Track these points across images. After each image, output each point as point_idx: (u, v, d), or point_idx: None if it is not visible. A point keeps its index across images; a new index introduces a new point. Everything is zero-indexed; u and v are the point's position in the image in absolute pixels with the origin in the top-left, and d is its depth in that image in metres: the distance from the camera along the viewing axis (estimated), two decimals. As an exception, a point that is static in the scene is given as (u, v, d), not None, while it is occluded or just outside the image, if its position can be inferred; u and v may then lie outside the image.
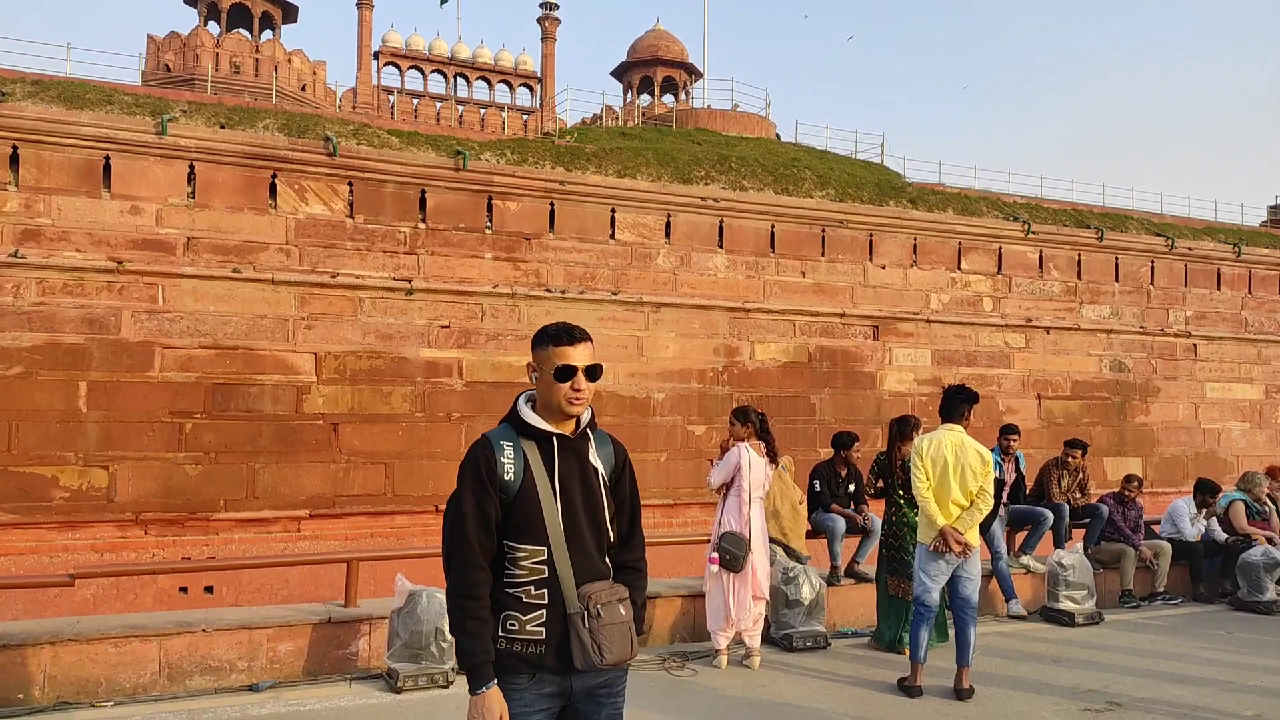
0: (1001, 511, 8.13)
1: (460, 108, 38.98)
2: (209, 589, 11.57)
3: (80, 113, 11.76)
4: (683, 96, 35.75)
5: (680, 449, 14.53)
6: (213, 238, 12.19)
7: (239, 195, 12.36)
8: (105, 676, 5.40)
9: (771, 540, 6.69)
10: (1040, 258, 17.62)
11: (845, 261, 15.95)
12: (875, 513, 7.67)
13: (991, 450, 7.34)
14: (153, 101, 12.86)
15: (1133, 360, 18.26)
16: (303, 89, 33.86)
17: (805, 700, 5.51)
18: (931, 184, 19.62)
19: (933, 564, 5.62)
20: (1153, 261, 18.66)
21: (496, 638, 2.48)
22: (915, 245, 16.53)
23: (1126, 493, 9.12)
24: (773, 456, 6.52)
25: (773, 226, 15.48)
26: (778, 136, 23.62)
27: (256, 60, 33.04)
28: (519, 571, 2.50)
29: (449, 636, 5.44)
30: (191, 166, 12.15)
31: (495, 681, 2.44)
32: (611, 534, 2.64)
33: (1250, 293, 19.67)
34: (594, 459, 2.63)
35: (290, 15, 36.13)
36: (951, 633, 6.42)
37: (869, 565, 7.72)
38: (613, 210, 14.45)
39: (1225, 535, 9.34)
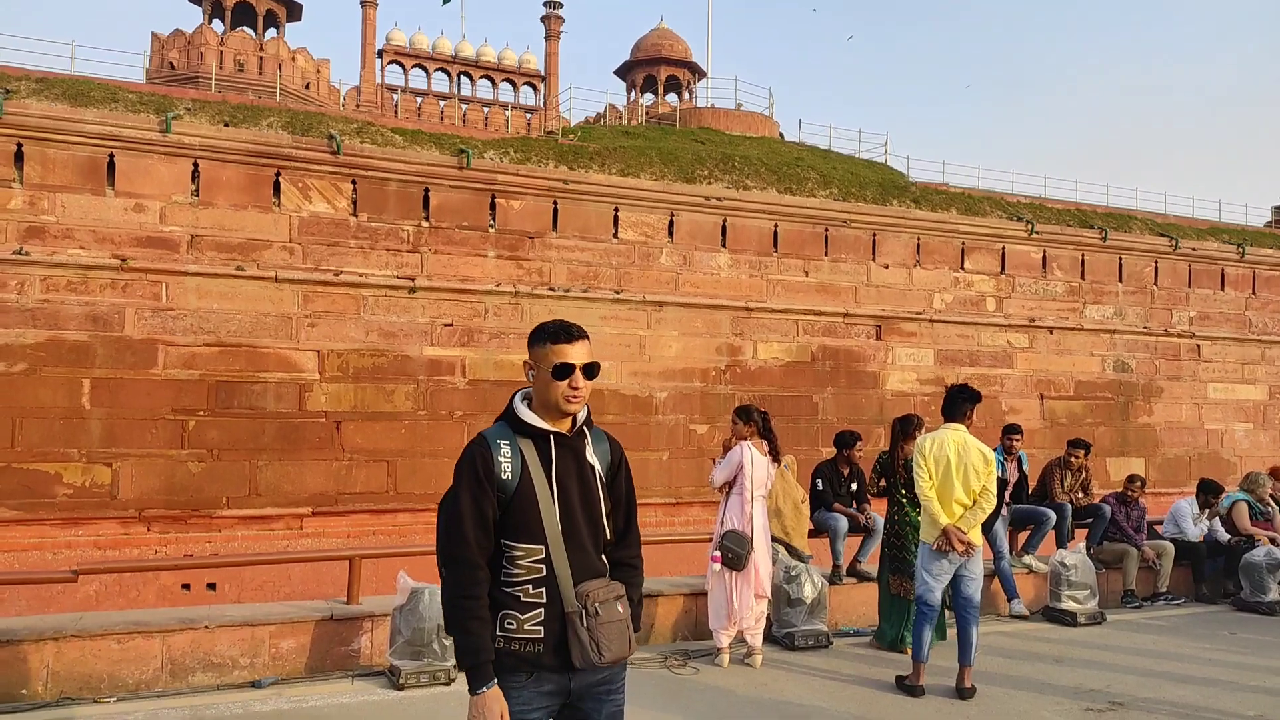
0: (1004, 511, 8.12)
1: (464, 106, 38.99)
2: (211, 586, 11.59)
3: (85, 110, 11.78)
4: (686, 95, 35.73)
5: (682, 448, 14.53)
6: (216, 235, 12.21)
7: (243, 193, 12.37)
8: (108, 672, 5.42)
9: (774, 539, 6.70)
10: (1044, 258, 17.60)
11: (848, 261, 15.94)
12: (878, 512, 7.67)
13: (994, 450, 7.35)
14: (157, 99, 12.89)
15: (1136, 360, 18.23)
16: (307, 87, 33.89)
17: (807, 699, 5.51)
18: (935, 184, 19.58)
19: (935, 563, 5.62)
20: (1156, 262, 18.63)
21: (495, 637, 2.47)
22: (919, 245, 16.52)
23: (1129, 493, 9.11)
24: (775, 455, 6.52)
25: (776, 226, 15.47)
26: (781, 136, 23.59)
27: (261, 58, 33.06)
28: (516, 570, 2.50)
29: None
30: (195, 164, 12.17)
31: (495, 681, 2.44)
32: (608, 531, 2.63)
33: (1254, 293, 19.63)
34: (591, 457, 2.63)
35: (294, 13, 36.16)
36: (950, 631, 6.43)
37: (871, 564, 7.72)
38: (616, 209, 14.45)
39: (1228, 536, 9.32)
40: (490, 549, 2.50)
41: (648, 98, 35.19)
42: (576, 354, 2.54)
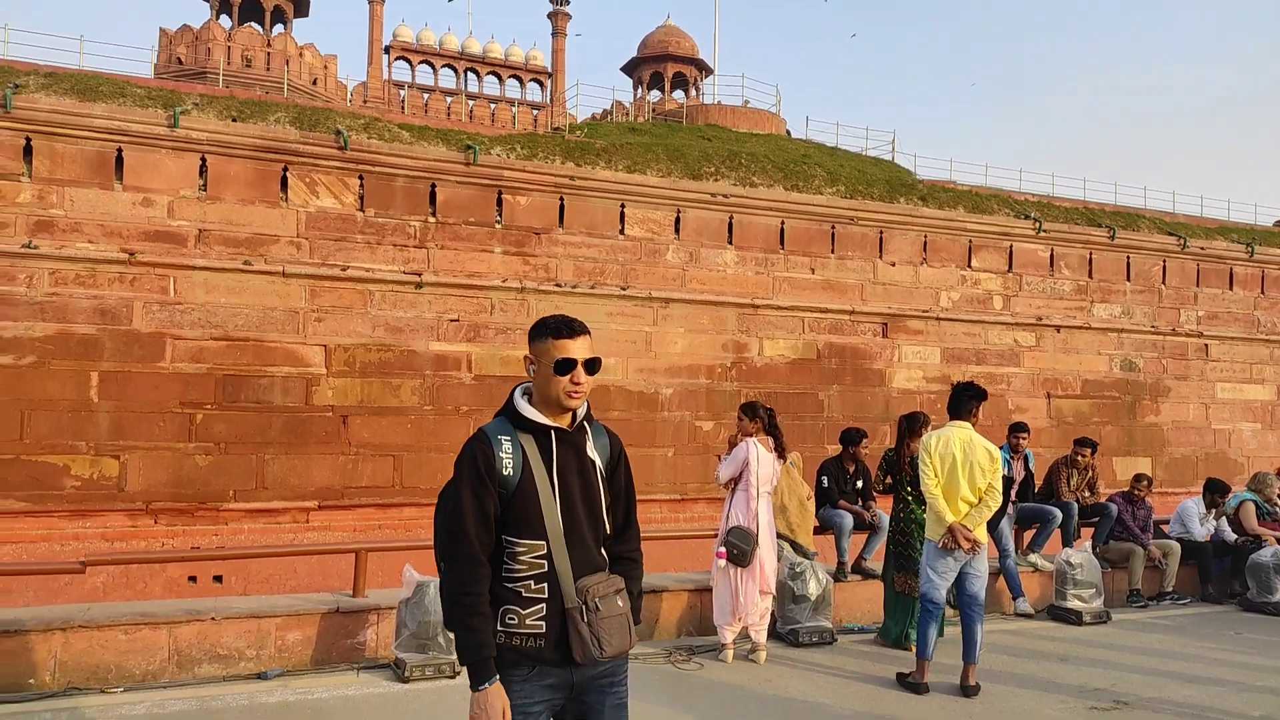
0: (1010, 509, 8.11)
1: (470, 102, 39.01)
2: (218, 578, 11.63)
3: (93, 105, 11.81)
4: (693, 92, 35.71)
5: (688, 444, 14.53)
6: (224, 230, 12.24)
7: (250, 188, 12.40)
8: (115, 663, 5.44)
9: (779, 536, 6.70)
10: (1051, 256, 17.54)
11: (855, 259, 15.92)
12: (883, 509, 7.66)
13: (1000, 448, 7.33)
14: (165, 94, 12.93)
15: (1143, 360, 18.17)
16: (314, 83, 33.94)
17: (811, 695, 5.51)
18: (942, 181, 19.55)
19: (940, 561, 5.62)
20: (1165, 261, 18.56)
21: (496, 632, 2.47)
22: (925, 243, 16.48)
23: (1136, 492, 9.09)
24: (781, 452, 6.52)
25: (782, 223, 15.45)
26: (788, 133, 23.57)
27: (268, 54, 33.12)
28: (518, 566, 2.50)
29: (456, 627, 5.45)
30: (203, 159, 12.20)
31: (497, 677, 2.44)
32: (608, 525, 2.63)
33: (1263, 293, 19.55)
34: (591, 451, 2.62)
35: (302, 9, 36.22)
36: (949, 628, 6.42)
37: (876, 562, 7.71)
38: (622, 205, 14.45)
39: (1235, 536, 9.30)
40: (491, 545, 2.50)
41: (654, 94, 35.14)
42: (578, 349, 2.53)
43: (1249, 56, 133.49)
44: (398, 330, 12.99)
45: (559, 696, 2.55)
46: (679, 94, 35.50)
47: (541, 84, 42.44)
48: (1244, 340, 19.16)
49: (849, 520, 7.67)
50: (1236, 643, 7.34)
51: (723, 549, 6.22)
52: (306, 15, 36.56)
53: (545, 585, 2.49)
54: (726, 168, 15.50)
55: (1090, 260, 17.88)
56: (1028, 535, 8.78)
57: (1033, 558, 8.56)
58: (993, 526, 7.38)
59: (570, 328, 2.55)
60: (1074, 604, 7.78)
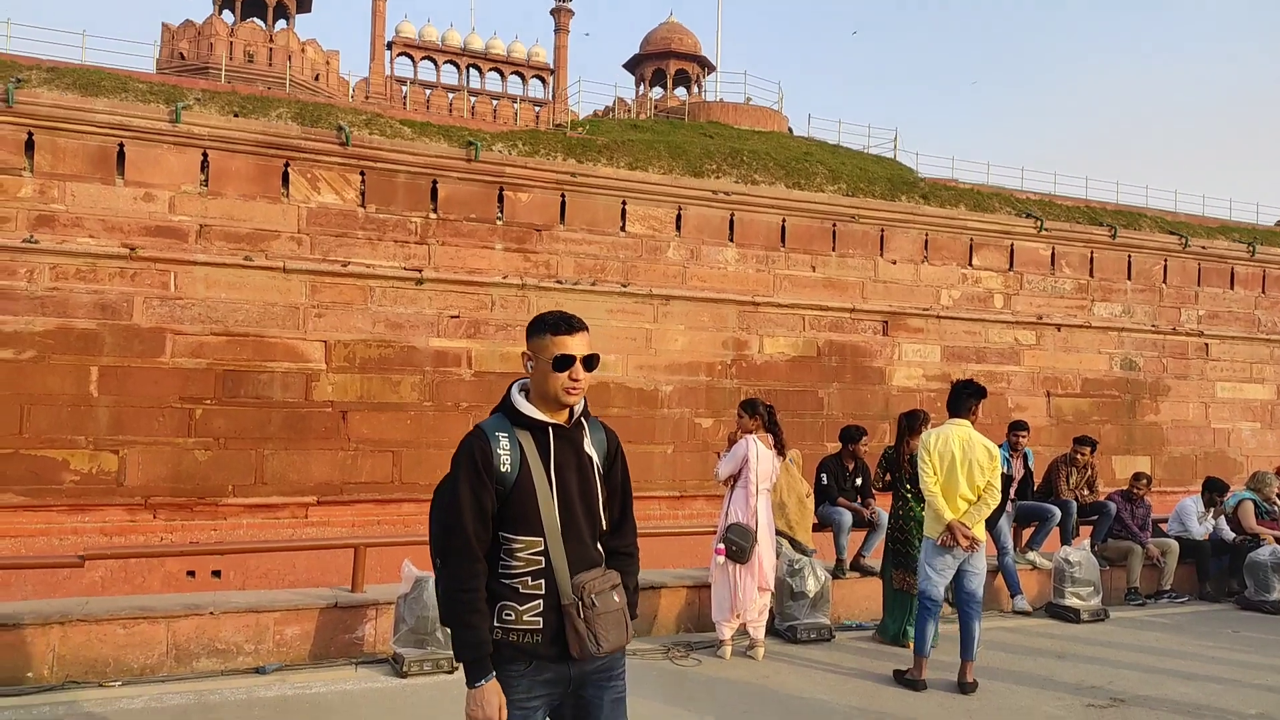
0: (1009, 507, 8.11)
1: (472, 99, 38.99)
2: (216, 573, 11.65)
3: (95, 100, 11.81)
4: (695, 89, 35.66)
5: (687, 441, 14.54)
6: (225, 225, 12.24)
7: (252, 183, 12.40)
8: (113, 657, 5.45)
9: (777, 533, 6.70)
10: (1052, 254, 17.53)
11: (856, 256, 15.91)
12: (882, 507, 7.66)
13: (1000, 446, 7.33)
14: (167, 89, 12.92)
15: (1143, 359, 18.17)
16: (316, 79, 33.92)
17: (809, 692, 5.51)
18: (944, 179, 19.50)
19: (939, 558, 5.62)
20: (1166, 260, 18.55)
21: (493, 628, 2.47)
22: (926, 241, 16.48)
23: (1135, 490, 9.08)
24: (780, 449, 6.52)
25: (784, 220, 15.45)
26: (790, 130, 23.53)
27: (270, 49, 33.10)
28: (515, 563, 2.49)
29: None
30: (205, 154, 12.20)
31: (494, 674, 2.44)
32: (604, 521, 2.63)
33: (1264, 292, 19.54)
34: (588, 448, 2.62)
35: (304, 5, 36.19)
36: (947, 626, 6.42)
37: (875, 559, 7.71)
38: (624, 202, 14.45)
39: (1233, 534, 9.30)
40: (488, 542, 2.49)
41: (657, 91, 35.11)
42: (577, 345, 2.52)
43: (1252, 56, 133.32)
44: (398, 326, 13.00)
45: (557, 692, 2.55)
46: (681, 91, 35.46)
47: (543, 80, 42.41)
48: (1244, 340, 19.15)
49: (848, 518, 7.67)
50: (1234, 641, 7.34)
51: (721, 546, 6.22)
52: (309, 11, 36.53)
53: (542, 582, 2.49)
54: (728, 165, 15.49)
55: (1091, 259, 17.87)
56: (1026, 533, 8.78)
57: (1031, 555, 8.56)
58: (991, 524, 7.37)
59: (569, 324, 2.54)
60: (1072, 602, 7.78)
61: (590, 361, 2.55)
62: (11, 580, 9.94)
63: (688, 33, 35.93)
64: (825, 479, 7.92)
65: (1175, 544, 9.04)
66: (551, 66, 42.32)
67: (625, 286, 14.24)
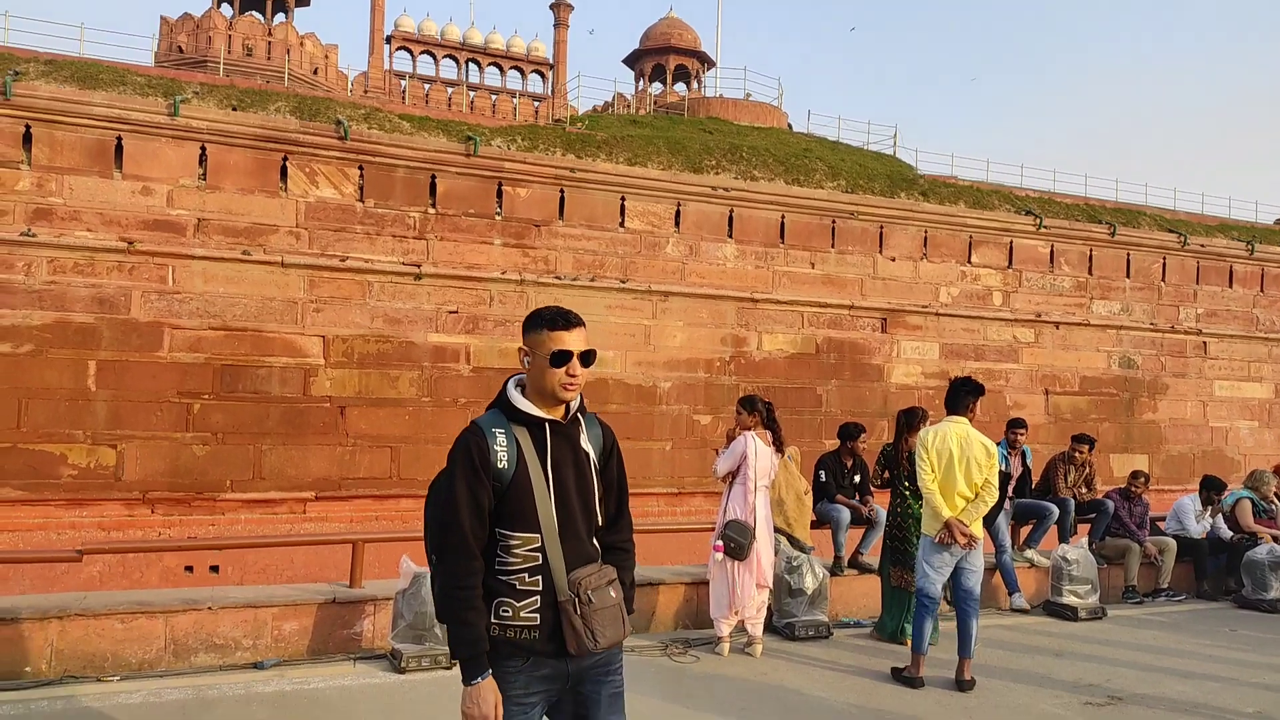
0: (1007, 505, 8.13)
1: (471, 93, 38.91)
2: (214, 568, 11.64)
3: (93, 93, 11.77)
4: (695, 85, 35.59)
5: (686, 438, 14.54)
6: (223, 219, 12.22)
7: (250, 177, 12.37)
8: (111, 652, 5.45)
9: (776, 530, 6.70)
10: (1051, 252, 17.53)
11: (855, 253, 15.90)
12: (880, 505, 7.67)
13: (999, 444, 7.34)
14: (165, 83, 12.88)
15: (1142, 357, 18.18)
16: (315, 72, 33.84)
17: (806, 688, 5.52)
18: (943, 176, 19.49)
19: (936, 555, 5.63)
20: (1164, 258, 18.55)
21: (490, 625, 2.46)
22: (926, 238, 16.47)
23: (1133, 489, 9.10)
24: (779, 446, 6.52)
25: (783, 217, 15.43)
26: (790, 126, 23.52)
27: (269, 43, 33.02)
28: (512, 559, 2.49)
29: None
30: (203, 148, 12.17)
31: (489, 672, 2.43)
32: (600, 517, 2.63)
33: (1262, 291, 19.55)
34: (585, 443, 2.61)
35: (303, -2, 36.08)
36: (945, 623, 6.42)
37: (873, 556, 7.72)
38: (623, 198, 14.43)
39: (1231, 533, 9.31)
40: (485, 539, 2.49)
41: (656, 87, 35.06)
42: (574, 341, 2.52)
43: (1252, 53, 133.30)
44: (396, 321, 12.98)
45: (555, 688, 2.55)
46: (681, 86, 35.41)
47: (543, 75, 42.34)
48: (1243, 338, 19.17)
49: (846, 515, 7.67)
50: (1231, 640, 7.35)
51: (720, 542, 6.22)
52: (308, 4, 36.44)
53: (539, 578, 2.48)
54: (727, 161, 15.47)
55: (1090, 257, 17.87)
56: (1024, 531, 8.79)
57: (1029, 553, 8.58)
58: (989, 522, 7.39)
59: (566, 319, 2.54)
60: (1070, 600, 7.79)
61: (587, 357, 2.54)
62: (9, 575, 9.93)
63: (687, 28, 35.87)
64: (824, 476, 7.93)
65: (1173, 542, 9.05)
66: (551, 61, 42.23)
67: (624, 282, 14.23)
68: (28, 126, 11.44)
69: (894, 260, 16.18)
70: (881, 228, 16.12)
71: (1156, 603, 8.68)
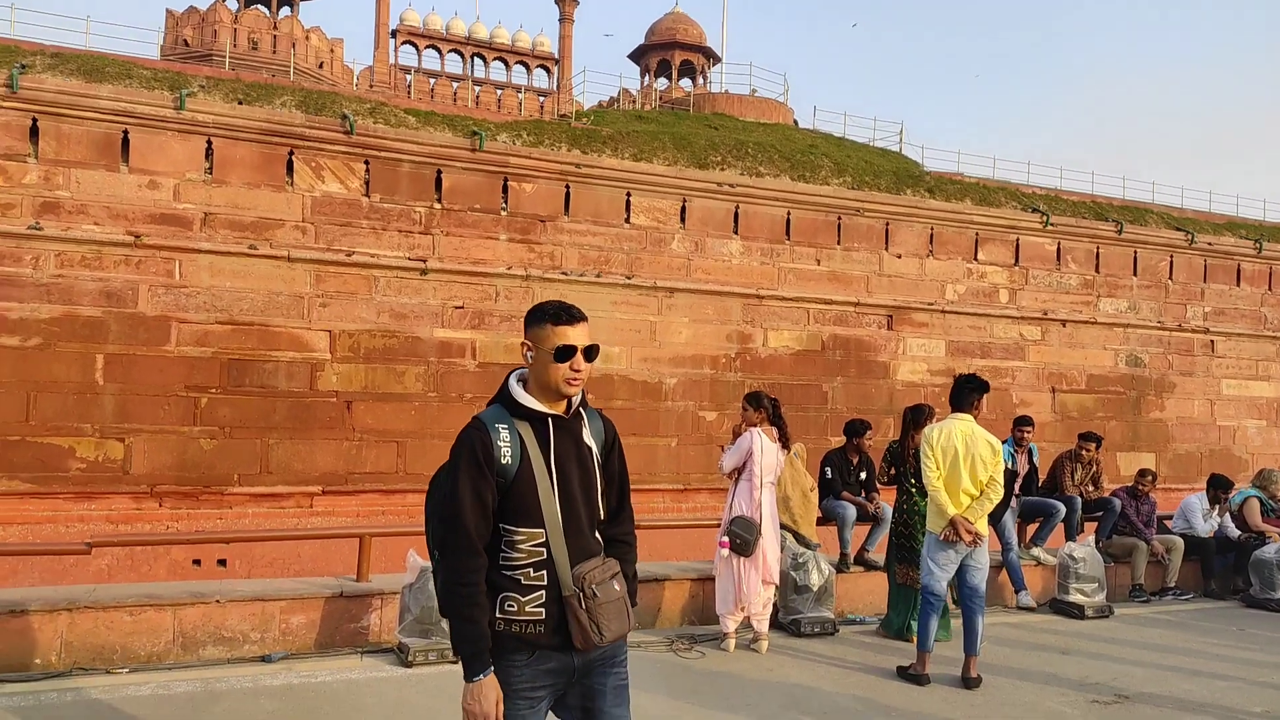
0: (1013, 503, 8.11)
1: (477, 88, 38.90)
2: (222, 562, 11.68)
3: (99, 86, 11.79)
4: (700, 81, 35.53)
5: (691, 434, 14.53)
6: (229, 214, 12.23)
7: (256, 172, 12.39)
8: (120, 644, 5.47)
9: (781, 527, 6.70)
10: (1058, 250, 17.48)
11: (861, 250, 15.87)
12: (886, 501, 7.67)
13: (1005, 442, 7.33)
14: (171, 76, 12.88)
15: (1149, 355, 18.13)
16: (320, 66, 33.85)
17: (812, 684, 5.52)
18: (949, 173, 19.43)
19: (941, 553, 5.62)
20: (1172, 256, 18.49)
21: (494, 620, 2.47)
22: (932, 235, 16.43)
23: (1140, 487, 9.08)
24: (785, 443, 6.52)
25: (788, 213, 15.41)
26: (795, 123, 23.44)
27: (274, 37, 33.03)
28: (516, 555, 2.49)
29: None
30: (209, 142, 12.18)
31: (492, 668, 2.43)
32: (602, 510, 2.63)
33: (1270, 289, 19.47)
34: (588, 438, 2.61)
35: (309, -8, 36.09)
36: (954, 621, 6.43)
37: (879, 553, 7.72)
38: (628, 194, 14.41)
39: (1239, 532, 9.29)
40: (488, 535, 2.48)
41: (661, 82, 35.02)
42: (577, 336, 2.51)
43: (1260, 52, 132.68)
44: (402, 316, 12.99)
45: (561, 681, 2.55)
46: (686, 82, 35.33)
47: (548, 70, 42.30)
48: (1250, 337, 19.10)
49: (852, 511, 7.67)
50: (1239, 639, 7.34)
51: (726, 538, 6.23)
52: (313, -1, 36.41)
53: (544, 573, 2.49)
54: (733, 157, 15.45)
55: (1097, 255, 17.81)
56: (1031, 529, 8.78)
57: (1035, 551, 8.57)
58: (996, 520, 7.37)
59: (569, 314, 2.53)
60: (1076, 598, 7.78)
61: (591, 352, 2.54)
62: (19, 567, 9.97)
63: (693, 23, 35.80)
64: (829, 473, 7.92)
65: (1180, 541, 9.04)
66: (556, 56, 42.20)
67: (629, 278, 14.22)
68: (34, 120, 11.46)
69: (900, 257, 16.15)
70: (887, 224, 16.09)
71: (1163, 601, 8.67)
